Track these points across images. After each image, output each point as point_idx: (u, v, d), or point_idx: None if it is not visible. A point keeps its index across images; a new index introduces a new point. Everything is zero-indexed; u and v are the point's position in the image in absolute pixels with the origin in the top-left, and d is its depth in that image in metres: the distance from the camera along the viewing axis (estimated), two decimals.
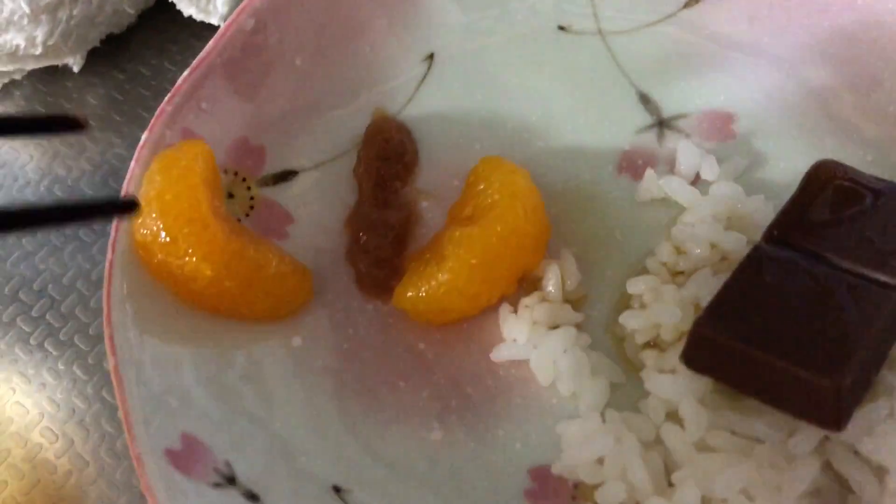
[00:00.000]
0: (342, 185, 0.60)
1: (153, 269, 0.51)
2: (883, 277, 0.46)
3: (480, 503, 0.51)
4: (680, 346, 0.49)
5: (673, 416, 0.49)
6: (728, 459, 0.46)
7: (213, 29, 0.69)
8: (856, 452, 0.45)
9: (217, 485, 0.48)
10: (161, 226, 0.50)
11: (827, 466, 0.46)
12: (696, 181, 0.58)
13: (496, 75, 0.63)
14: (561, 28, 0.63)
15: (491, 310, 0.55)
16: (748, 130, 0.59)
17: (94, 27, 0.70)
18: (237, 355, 0.53)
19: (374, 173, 0.60)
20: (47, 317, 0.63)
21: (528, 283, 0.56)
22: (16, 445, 0.59)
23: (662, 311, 0.51)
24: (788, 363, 0.43)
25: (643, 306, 0.53)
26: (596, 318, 0.55)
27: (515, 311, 0.55)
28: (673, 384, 0.49)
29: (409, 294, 0.54)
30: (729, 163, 0.58)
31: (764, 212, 0.54)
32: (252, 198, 0.59)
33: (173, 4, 0.70)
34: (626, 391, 0.53)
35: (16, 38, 0.66)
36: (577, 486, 0.50)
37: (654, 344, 0.53)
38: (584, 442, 0.50)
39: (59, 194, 0.68)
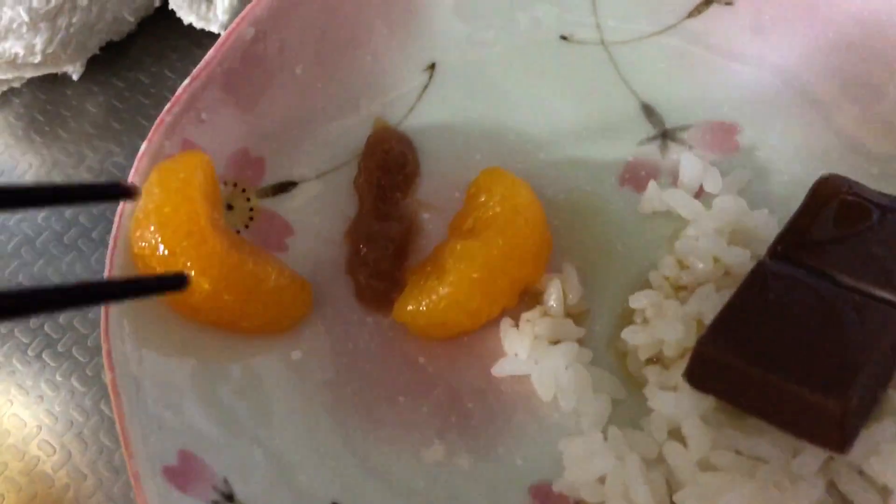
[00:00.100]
0: (342, 196, 0.60)
1: None
2: (889, 296, 0.45)
3: None
4: (683, 363, 0.49)
5: (676, 434, 0.49)
6: (732, 479, 0.46)
7: (213, 37, 0.68)
8: (861, 472, 0.45)
9: (215, 502, 0.47)
10: (159, 239, 0.50)
11: (832, 487, 0.45)
12: (700, 194, 0.58)
13: (498, 85, 0.63)
14: (563, 38, 0.63)
15: (492, 324, 0.55)
16: (751, 142, 0.59)
17: (94, 35, 0.70)
18: (236, 369, 0.53)
19: (374, 184, 0.60)
20: (45, 328, 0.63)
21: (529, 297, 0.55)
22: (13, 458, 0.59)
23: (665, 327, 0.50)
24: (793, 384, 0.43)
25: (645, 321, 0.52)
26: (598, 332, 0.55)
27: (517, 326, 0.54)
28: (676, 402, 0.48)
29: (410, 308, 0.53)
30: (732, 175, 0.57)
31: (768, 226, 0.54)
32: (251, 209, 0.58)
33: (173, 12, 0.70)
34: (628, 407, 0.52)
35: (15, 47, 0.66)
36: None
37: (656, 360, 0.52)
38: (586, 460, 0.49)
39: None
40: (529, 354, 0.53)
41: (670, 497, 0.48)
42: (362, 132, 0.61)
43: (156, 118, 0.54)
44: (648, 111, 0.61)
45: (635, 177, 0.59)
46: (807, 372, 0.43)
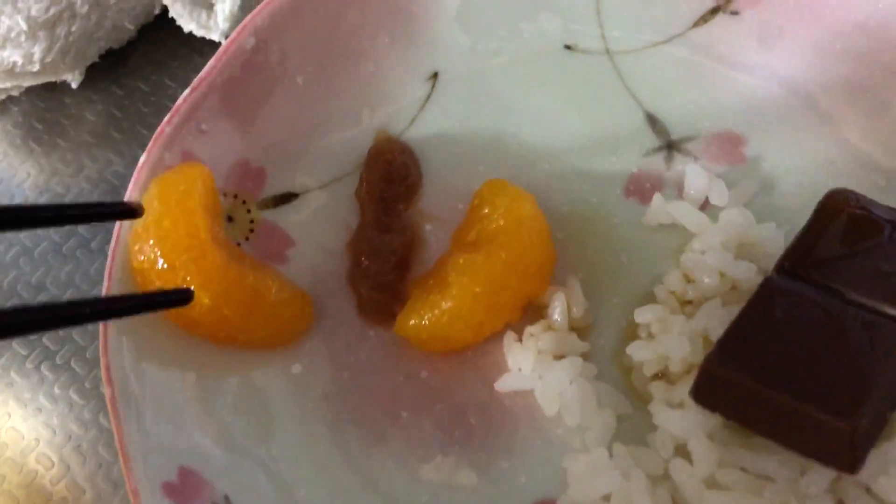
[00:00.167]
0: (344, 207, 0.59)
1: None
2: None
3: None
4: (689, 379, 0.48)
5: (682, 451, 0.48)
6: (738, 498, 0.45)
7: (213, 45, 0.68)
8: (869, 491, 0.44)
9: None
10: (158, 252, 0.49)
11: None
12: (705, 206, 0.57)
13: (501, 95, 0.62)
14: (567, 48, 0.62)
15: (495, 338, 0.54)
16: (758, 154, 0.58)
17: (93, 43, 0.69)
18: (236, 384, 0.53)
19: (376, 195, 0.59)
20: (44, 340, 0.62)
21: (533, 311, 0.55)
22: (11, 471, 0.59)
23: (671, 343, 0.50)
24: (802, 404, 0.42)
25: (651, 336, 0.52)
26: (602, 347, 0.54)
27: (520, 340, 0.54)
28: (682, 419, 0.48)
29: (412, 322, 0.53)
30: (738, 187, 0.57)
31: (775, 240, 0.53)
32: (252, 221, 0.58)
33: (173, 20, 0.69)
34: (633, 423, 0.52)
35: (13, 55, 0.65)
36: None
37: (662, 375, 0.52)
38: (591, 476, 0.49)
39: None
40: (533, 369, 0.52)
41: None
42: (364, 143, 0.61)
43: (156, 127, 0.53)
44: (653, 122, 0.60)
45: (640, 188, 0.59)
46: (816, 391, 0.42)
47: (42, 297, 0.64)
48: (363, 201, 0.59)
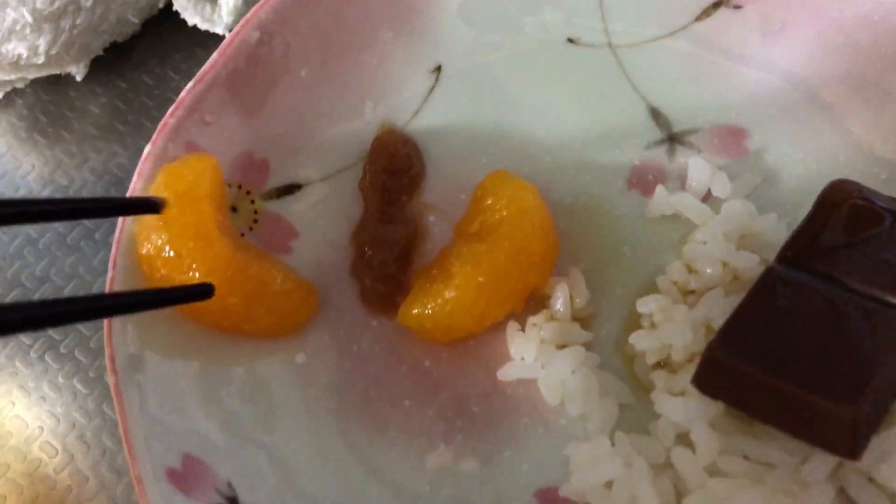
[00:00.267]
0: (347, 199, 0.60)
1: (157, 284, 0.50)
2: None
3: None
4: (691, 368, 0.48)
5: (684, 440, 0.48)
6: (740, 485, 0.45)
7: (217, 38, 0.68)
8: (871, 480, 0.44)
9: None
10: (165, 240, 0.50)
11: (841, 494, 0.45)
12: (708, 198, 0.57)
13: (504, 88, 0.62)
14: (570, 41, 0.62)
15: (498, 328, 0.54)
16: (760, 146, 0.59)
17: (98, 36, 0.69)
18: (240, 372, 0.53)
19: (380, 187, 0.59)
20: (48, 329, 0.62)
21: (535, 301, 0.55)
22: (15, 460, 0.59)
23: (673, 331, 0.50)
24: (804, 390, 0.42)
25: (653, 326, 0.52)
26: (605, 337, 0.55)
27: (523, 330, 0.54)
28: (684, 407, 0.48)
29: (415, 311, 0.53)
30: (741, 180, 0.57)
31: (777, 231, 0.53)
32: (256, 212, 0.58)
33: (177, 13, 0.69)
34: (635, 412, 0.52)
35: (18, 48, 0.65)
36: None
37: (664, 364, 0.52)
38: (593, 465, 0.49)
39: None
40: (536, 358, 0.53)
41: (678, 503, 0.47)
42: (368, 135, 0.61)
43: (159, 120, 0.54)
44: (656, 115, 0.61)
45: (643, 181, 0.59)
46: (818, 378, 0.42)
47: (46, 288, 0.64)
48: (366, 193, 0.60)
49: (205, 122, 0.55)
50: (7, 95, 0.72)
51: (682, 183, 0.58)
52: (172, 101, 0.54)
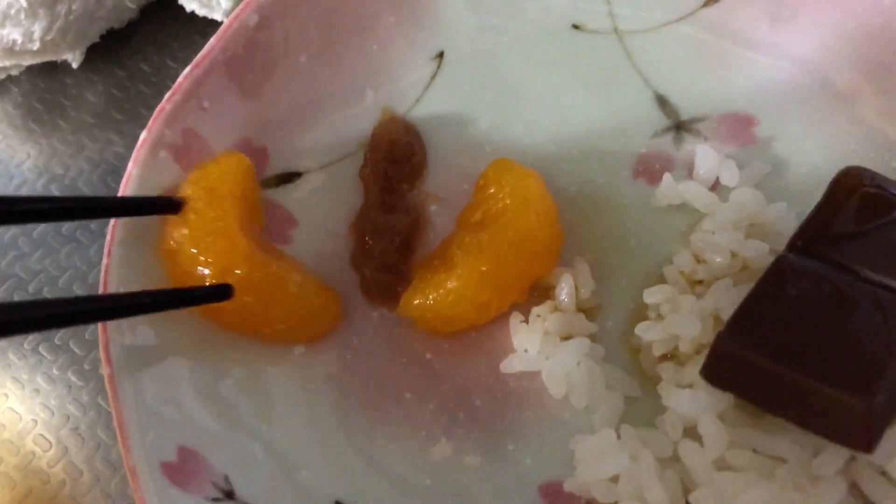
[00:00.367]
0: (348, 187, 0.59)
1: (177, 279, 0.50)
2: None
3: None
4: (699, 360, 0.47)
5: (691, 433, 0.47)
6: (749, 479, 0.44)
7: (216, 25, 0.67)
8: (884, 473, 0.43)
9: (215, 500, 0.46)
10: (187, 235, 0.49)
11: (854, 488, 0.44)
12: (715, 186, 0.56)
13: (508, 75, 0.61)
14: (575, 27, 0.61)
15: (501, 319, 0.53)
16: (769, 134, 0.57)
17: (94, 22, 0.68)
18: (237, 364, 0.52)
19: (381, 175, 0.58)
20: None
21: (539, 292, 0.54)
22: (8, 453, 0.58)
23: (680, 322, 0.49)
24: (816, 381, 0.41)
25: (660, 317, 0.51)
26: (610, 328, 0.53)
27: (526, 321, 0.53)
28: (691, 399, 0.47)
29: (417, 301, 0.52)
30: (749, 168, 0.56)
31: (786, 220, 0.52)
32: None
33: (175, 0, 0.68)
34: (641, 405, 0.51)
35: (13, 33, 0.64)
36: None
37: (671, 356, 0.51)
38: (599, 459, 0.48)
39: (56, 193, 0.66)
40: (540, 350, 0.52)
41: (685, 497, 0.46)
42: (368, 122, 0.60)
43: (157, 107, 0.52)
44: (662, 102, 0.59)
45: (649, 169, 0.58)
46: (830, 369, 0.41)
47: (41, 279, 0.63)
48: (367, 181, 0.59)
49: (202, 108, 0.54)
50: (2, 83, 0.71)
51: (689, 171, 0.57)
52: (170, 89, 0.53)
